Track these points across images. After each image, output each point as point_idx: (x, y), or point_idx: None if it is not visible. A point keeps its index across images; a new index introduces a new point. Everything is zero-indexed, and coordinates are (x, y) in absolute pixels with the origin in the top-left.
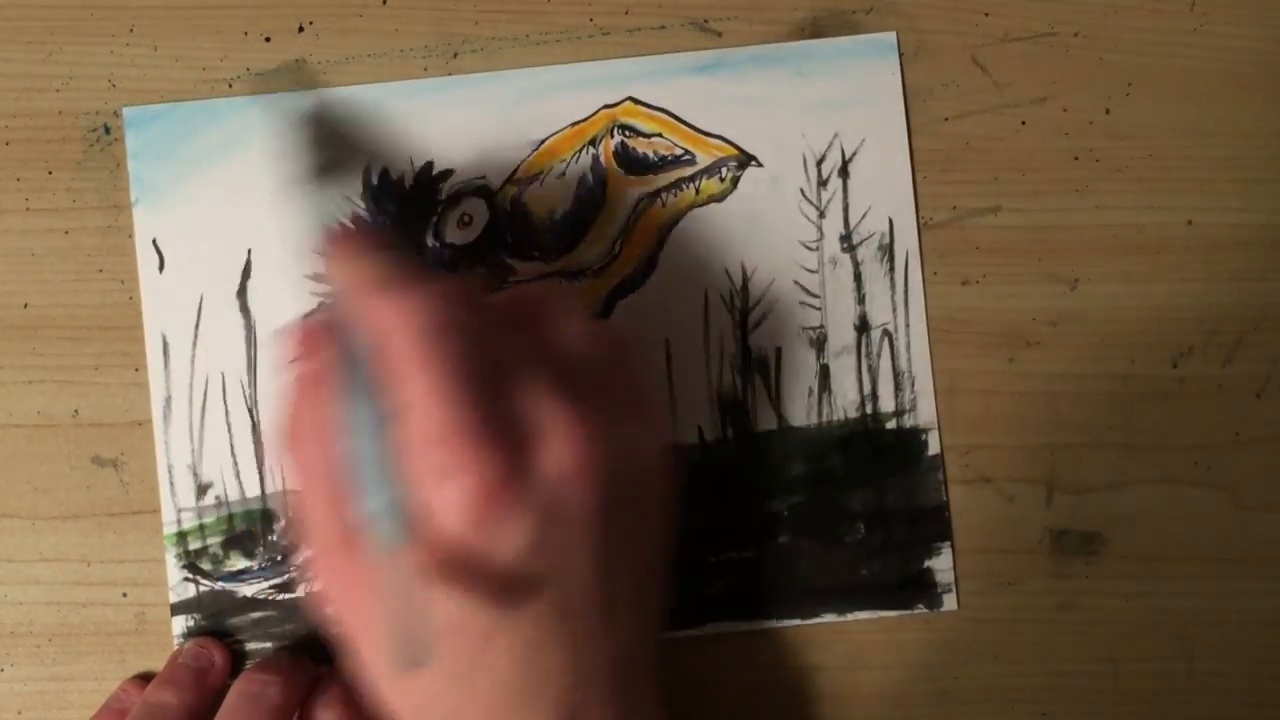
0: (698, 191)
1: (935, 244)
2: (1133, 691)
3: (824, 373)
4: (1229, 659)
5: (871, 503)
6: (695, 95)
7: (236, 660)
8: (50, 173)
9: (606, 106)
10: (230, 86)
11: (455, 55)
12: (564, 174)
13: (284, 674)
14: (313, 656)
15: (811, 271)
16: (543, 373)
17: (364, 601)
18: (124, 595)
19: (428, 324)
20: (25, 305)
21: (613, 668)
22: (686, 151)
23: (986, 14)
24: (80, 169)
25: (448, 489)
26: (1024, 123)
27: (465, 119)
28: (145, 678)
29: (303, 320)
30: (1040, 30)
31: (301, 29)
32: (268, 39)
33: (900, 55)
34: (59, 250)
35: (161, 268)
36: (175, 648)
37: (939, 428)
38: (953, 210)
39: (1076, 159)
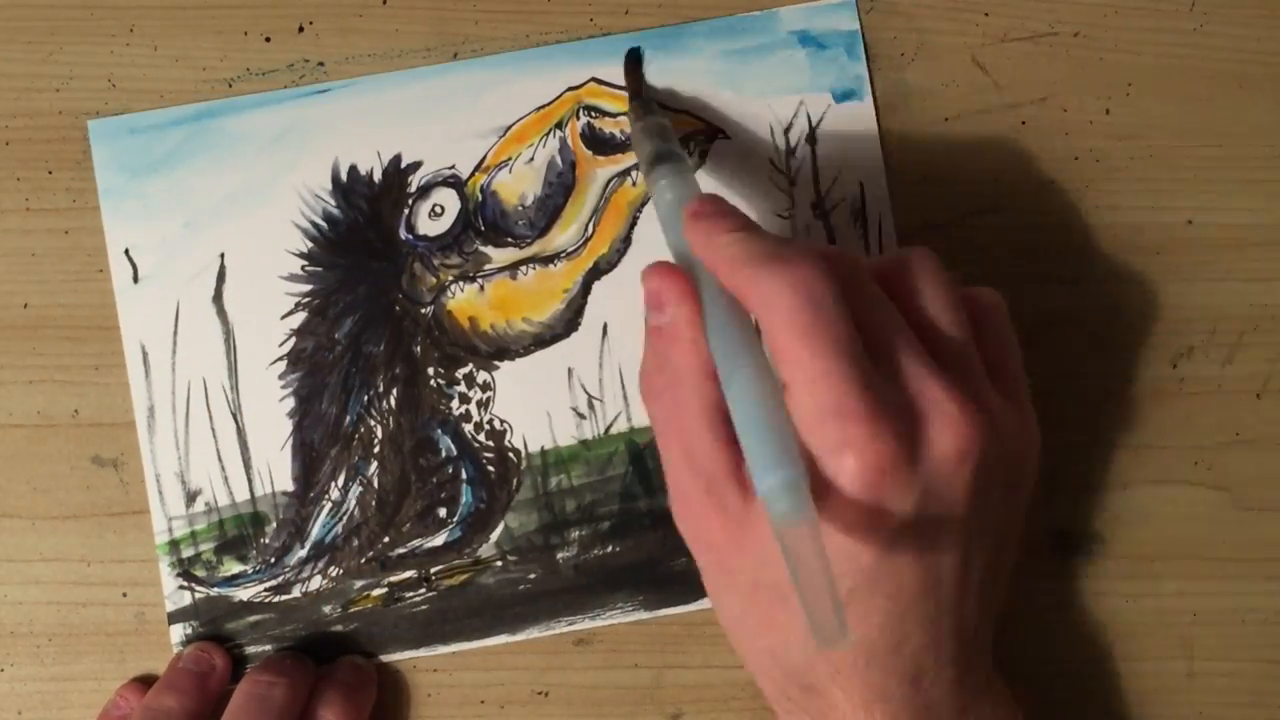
0: None
1: (935, 244)
2: (1133, 691)
3: None
4: (1229, 659)
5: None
6: (658, 71)
7: (236, 664)
8: (50, 173)
9: (570, 89)
10: (230, 86)
11: (455, 55)
12: (532, 159)
13: (288, 674)
14: (313, 657)
15: None
16: (922, 349)
17: (742, 553)
18: (124, 595)
19: (811, 300)
20: (25, 305)
21: (960, 636)
22: None
23: (986, 14)
24: (80, 169)
25: (845, 462)
26: (1024, 123)
27: (430, 110)
28: (143, 681)
29: (652, 270)
30: (1040, 30)
31: (301, 29)
32: (268, 39)
33: (860, 13)
34: (59, 250)
35: (136, 278)
36: (175, 653)
37: None
38: (953, 210)
39: (1076, 159)
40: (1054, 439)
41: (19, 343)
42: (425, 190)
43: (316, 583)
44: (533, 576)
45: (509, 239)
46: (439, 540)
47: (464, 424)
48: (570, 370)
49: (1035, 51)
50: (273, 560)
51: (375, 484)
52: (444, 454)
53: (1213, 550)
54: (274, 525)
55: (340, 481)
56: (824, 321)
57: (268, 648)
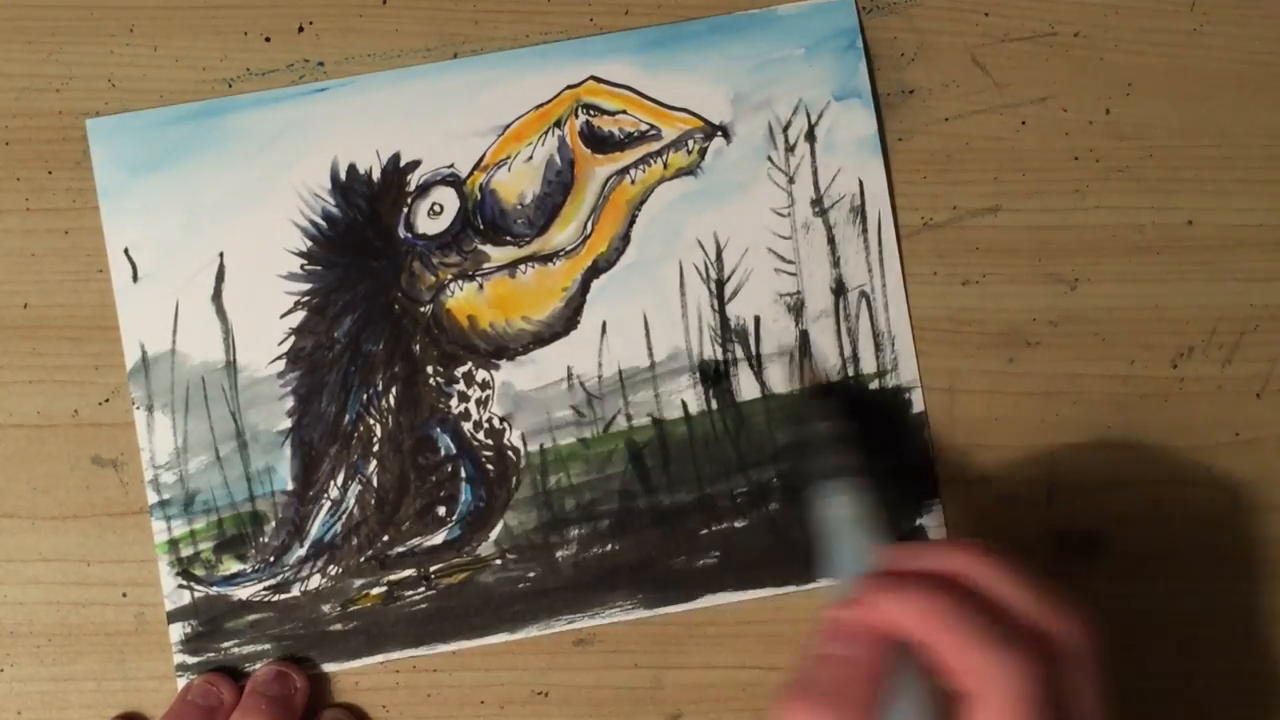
0: (666, 166)
1: (935, 244)
2: (1133, 691)
3: (803, 338)
4: (1229, 659)
5: (860, 465)
6: (657, 69)
7: (235, 663)
8: (50, 173)
9: (569, 87)
10: (230, 86)
11: (455, 55)
12: (531, 158)
13: (263, 716)
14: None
15: (785, 238)
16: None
17: None
18: (124, 595)
19: (1033, 698)
20: (25, 305)
21: None
22: (652, 126)
23: (986, 14)
24: (80, 169)
25: None
26: (1024, 123)
27: (429, 108)
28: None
29: (842, 612)
30: (1040, 30)
31: (301, 29)
32: (268, 39)
33: (859, 13)
34: (59, 250)
35: (135, 277)
36: (174, 655)
37: (921, 385)
38: (953, 210)
39: (1076, 159)
40: (1054, 439)
41: (19, 343)
42: (424, 189)
43: (316, 581)
44: (532, 575)
45: (508, 237)
46: (438, 539)
47: (463, 422)
48: (569, 369)
49: (1035, 51)
50: (272, 559)
51: (374, 482)
52: (443, 452)
53: (1213, 550)
54: (273, 524)
55: (339, 480)
56: (1039, 713)
57: (267, 646)
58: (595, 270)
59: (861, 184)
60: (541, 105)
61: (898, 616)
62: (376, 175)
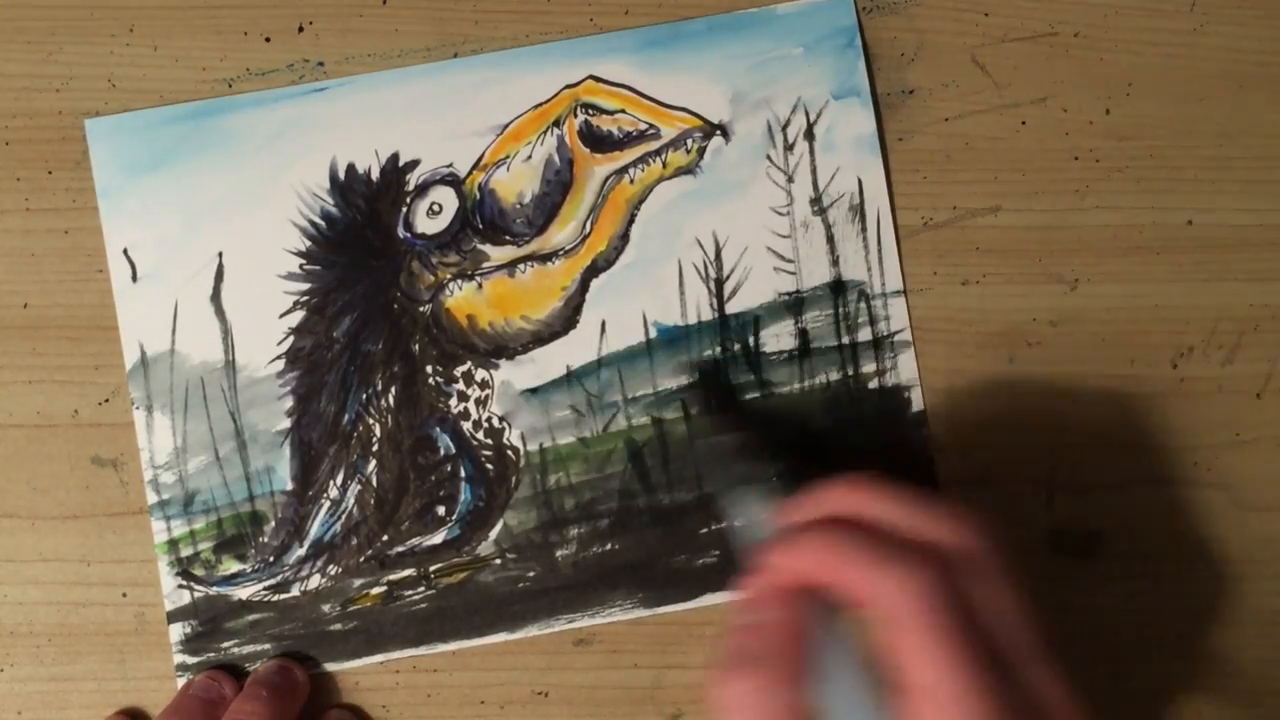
0: (665, 165)
1: (935, 244)
2: (1133, 691)
3: (803, 336)
4: (1229, 659)
5: (858, 464)
6: (656, 68)
7: (236, 662)
8: (50, 173)
9: (568, 86)
10: (230, 86)
11: (455, 55)
12: (530, 157)
13: (263, 703)
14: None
15: (784, 236)
16: (1031, 643)
17: None
18: (124, 595)
19: (938, 602)
20: (25, 305)
21: None
22: (651, 126)
23: (986, 14)
24: (79, 169)
25: None
26: (1024, 123)
27: (428, 108)
28: (128, 714)
29: (750, 584)
30: (1040, 30)
31: (301, 29)
32: (268, 39)
33: (859, 13)
34: (59, 250)
35: (135, 277)
36: (174, 655)
37: (921, 385)
38: (953, 210)
39: (1076, 159)
40: (1054, 439)
41: (19, 343)
42: (423, 188)
43: (315, 581)
44: (532, 574)
45: (507, 237)
46: (438, 538)
47: (462, 422)
48: (568, 368)
49: (1035, 51)
50: (271, 559)
51: (374, 482)
52: (443, 452)
53: (1213, 550)
54: (272, 524)
55: (339, 480)
56: (953, 623)
57: (267, 646)
58: (594, 269)
59: (860, 183)
60: (540, 105)
61: (797, 566)
62: (375, 175)
